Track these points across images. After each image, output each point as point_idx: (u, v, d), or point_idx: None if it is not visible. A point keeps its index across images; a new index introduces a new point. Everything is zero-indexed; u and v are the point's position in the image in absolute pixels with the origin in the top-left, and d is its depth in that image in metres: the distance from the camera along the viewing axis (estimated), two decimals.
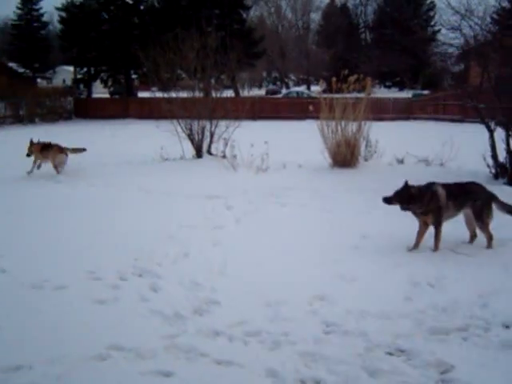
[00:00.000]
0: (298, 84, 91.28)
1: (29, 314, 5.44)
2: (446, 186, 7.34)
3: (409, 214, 7.34)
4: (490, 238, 7.23)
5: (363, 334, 4.93)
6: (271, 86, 62.17)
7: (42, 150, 13.42)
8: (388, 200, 7.39)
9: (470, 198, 7.26)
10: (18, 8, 71.58)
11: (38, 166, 13.57)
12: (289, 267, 6.61)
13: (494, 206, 7.27)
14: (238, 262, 6.75)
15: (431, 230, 7.28)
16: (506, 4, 14.96)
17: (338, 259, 6.83)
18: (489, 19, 13.49)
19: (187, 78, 16.89)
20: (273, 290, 5.89)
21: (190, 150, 15.42)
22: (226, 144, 14.64)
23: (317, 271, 6.46)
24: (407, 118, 36.56)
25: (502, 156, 12.29)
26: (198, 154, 15.46)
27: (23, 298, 5.82)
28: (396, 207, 7.38)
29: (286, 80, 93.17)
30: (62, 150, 13.45)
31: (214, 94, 16.47)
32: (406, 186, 7.25)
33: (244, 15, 51.58)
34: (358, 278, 6.24)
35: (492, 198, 7.33)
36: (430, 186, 7.32)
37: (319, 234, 8.02)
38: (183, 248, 7.31)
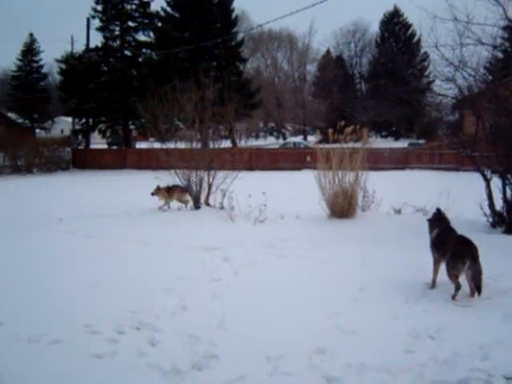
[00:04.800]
0: (294, 134, 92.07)
1: (26, 368, 5.37)
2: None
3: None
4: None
5: None
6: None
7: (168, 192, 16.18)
8: None
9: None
10: (18, 59, 72.84)
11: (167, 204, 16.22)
12: (288, 320, 6.56)
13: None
14: (237, 315, 6.70)
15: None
16: (499, 54, 15.18)
17: (337, 312, 6.78)
18: (482, 70, 13.67)
19: (185, 129, 17.00)
20: (272, 343, 5.84)
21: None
22: (223, 195, 14.67)
23: (316, 324, 6.41)
24: (403, 168, 36.76)
25: (498, 205, 12.32)
26: (196, 205, 15.47)
27: (18, 352, 5.75)
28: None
29: (283, 130, 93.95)
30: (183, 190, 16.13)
31: (211, 145, 16.57)
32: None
33: (241, 67, 52.30)
34: (358, 330, 6.18)
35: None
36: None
37: (318, 286, 7.97)
38: (181, 301, 7.26)
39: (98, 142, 56.83)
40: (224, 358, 5.56)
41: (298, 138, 71.51)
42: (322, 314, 6.71)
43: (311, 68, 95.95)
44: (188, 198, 15.99)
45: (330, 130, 13.80)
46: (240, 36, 54.16)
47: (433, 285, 7.65)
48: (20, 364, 5.47)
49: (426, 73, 71.52)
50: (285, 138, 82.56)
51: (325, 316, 6.65)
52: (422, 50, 70.29)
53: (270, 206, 13.30)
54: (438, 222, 8.11)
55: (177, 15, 48.21)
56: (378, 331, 6.20)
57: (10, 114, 74.68)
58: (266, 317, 6.68)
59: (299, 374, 5.18)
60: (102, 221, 14.10)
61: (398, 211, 14.13)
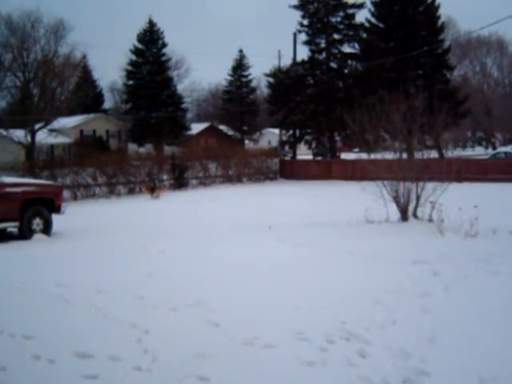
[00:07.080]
0: (504, 144, 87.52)
1: (238, 369, 5.66)
2: None
3: None
4: None
5: None
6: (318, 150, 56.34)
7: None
8: None
9: None
10: (229, 75, 76.94)
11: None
12: (504, 341, 6.26)
13: None
14: (449, 332, 6.51)
15: None
16: None
17: None
18: None
19: (390, 140, 16.91)
20: (486, 363, 5.60)
21: (394, 213, 15.24)
22: (432, 207, 14.29)
23: None
24: None
25: None
26: (404, 217, 15.21)
27: (233, 353, 6.07)
28: None
29: (493, 139, 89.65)
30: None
31: (419, 156, 16.27)
32: None
33: (448, 75, 50.70)
34: None
35: None
36: None
37: None
38: (390, 314, 7.22)
39: (303, 153, 58.08)
40: (435, 375, 5.42)
41: (510, 148, 67.77)
42: None
43: None
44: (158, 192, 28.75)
45: None
46: (447, 43, 52.60)
47: None
48: (232, 364, 5.78)
49: None
50: (494, 148, 78.63)
51: None
52: None
53: (481, 219, 12.74)
54: None
55: (381, 25, 47.94)
56: None
57: (221, 127, 79.23)
58: (480, 335, 6.42)
59: None
60: (309, 230, 14.43)
61: None
